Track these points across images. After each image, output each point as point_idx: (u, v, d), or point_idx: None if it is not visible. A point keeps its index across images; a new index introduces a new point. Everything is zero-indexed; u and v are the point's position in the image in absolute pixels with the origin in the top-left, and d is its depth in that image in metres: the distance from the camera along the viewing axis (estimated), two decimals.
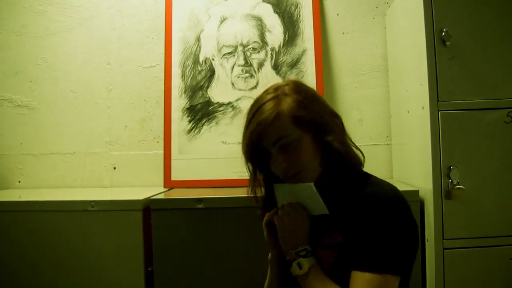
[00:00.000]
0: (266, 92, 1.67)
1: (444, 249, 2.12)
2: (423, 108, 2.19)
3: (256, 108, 1.63)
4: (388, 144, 2.86)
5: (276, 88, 1.65)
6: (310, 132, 1.58)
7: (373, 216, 1.50)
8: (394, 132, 2.82)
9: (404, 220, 1.52)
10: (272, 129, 1.58)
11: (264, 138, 1.60)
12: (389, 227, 1.49)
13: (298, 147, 1.58)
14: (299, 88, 1.65)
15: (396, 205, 1.53)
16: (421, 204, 2.23)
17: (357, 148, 1.71)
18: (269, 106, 1.60)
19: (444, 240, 2.12)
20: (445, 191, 2.11)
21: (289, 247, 1.57)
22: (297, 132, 1.57)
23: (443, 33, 2.12)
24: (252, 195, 1.75)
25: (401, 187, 2.36)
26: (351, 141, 1.71)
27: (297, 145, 1.58)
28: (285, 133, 1.58)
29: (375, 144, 2.87)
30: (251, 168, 1.73)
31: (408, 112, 2.49)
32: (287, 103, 1.59)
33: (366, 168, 2.82)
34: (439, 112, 2.12)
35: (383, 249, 1.47)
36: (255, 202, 1.76)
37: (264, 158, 1.65)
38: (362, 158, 1.71)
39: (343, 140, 1.64)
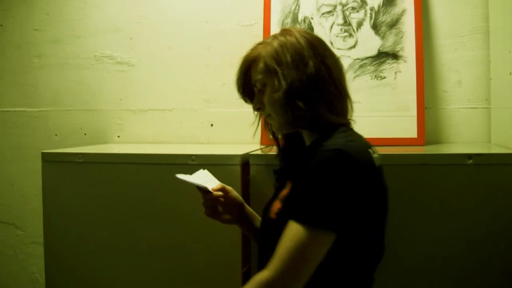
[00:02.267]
0: (268, 36, 1.82)
1: None
2: None
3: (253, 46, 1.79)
4: (487, 108, 2.80)
5: (274, 35, 1.77)
6: (279, 83, 1.64)
7: (311, 168, 1.49)
8: (494, 95, 2.75)
9: (342, 177, 1.45)
10: (253, 70, 1.75)
11: (249, 76, 1.78)
12: (323, 181, 1.45)
13: (268, 91, 1.69)
14: (286, 38, 1.70)
15: (336, 161, 1.47)
16: None
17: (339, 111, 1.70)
18: (256, 48, 1.77)
19: None
20: None
21: None
22: (269, 77, 1.68)
23: None
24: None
25: (500, 151, 2.34)
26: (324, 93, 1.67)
27: (268, 89, 1.70)
28: (259, 76, 1.72)
29: (473, 107, 2.82)
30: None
31: (510, 74, 2.43)
32: (267, 49, 1.70)
33: (464, 131, 2.79)
34: None
35: (313, 201, 1.44)
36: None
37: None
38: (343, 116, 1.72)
39: (297, 91, 1.63)
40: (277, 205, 1.69)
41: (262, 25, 2.89)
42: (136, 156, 2.45)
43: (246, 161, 2.30)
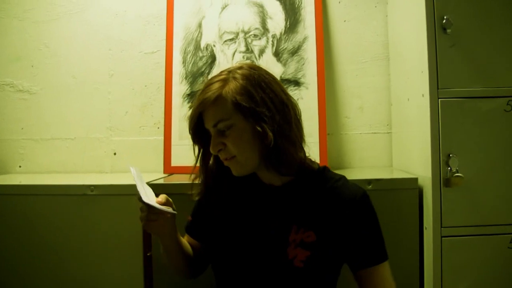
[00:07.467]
0: (219, 73, 1.70)
1: (442, 237, 2.12)
2: (423, 95, 2.19)
3: (204, 86, 1.68)
4: (388, 133, 2.86)
5: (230, 70, 1.68)
6: (249, 120, 1.60)
7: (362, 217, 1.69)
8: (394, 120, 2.82)
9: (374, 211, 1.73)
10: (213, 110, 1.63)
11: (205, 118, 1.66)
12: (376, 222, 1.72)
13: (235, 133, 1.62)
14: (250, 73, 1.65)
15: (369, 200, 1.72)
16: (420, 191, 2.23)
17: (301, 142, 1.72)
18: (214, 86, 1.64)
19: (442, 228, 2.11)
20: (444, 179, 2.11)
21: None
22: (237, 117, 1.61)
23: (444, 21, 2.11)
24: (194, 180, 1.85)
25: (400, 175, 2.40)
26: (300, 135, 1.72)
27: (234, 130, 1.62)
28: (224, 116, 1.62)
29: (375, 132, 2.87)
30: (196, 151, 1.81)
31: (408, 100, 2.49)
32: (232, 87, 1.62)
33: (366, 156, 2.84)
34: (439, 99, 2.12)
35: (379, 242, 1.71)
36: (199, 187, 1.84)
37: (206, 139, 1.71)
38: (307, 153, 1.74)
39: (285, 134, 1.63)
40: (302, 253, 1.64)
41: (164, 52, 2.87)
42: (34, 187, 2.40)
43: None
